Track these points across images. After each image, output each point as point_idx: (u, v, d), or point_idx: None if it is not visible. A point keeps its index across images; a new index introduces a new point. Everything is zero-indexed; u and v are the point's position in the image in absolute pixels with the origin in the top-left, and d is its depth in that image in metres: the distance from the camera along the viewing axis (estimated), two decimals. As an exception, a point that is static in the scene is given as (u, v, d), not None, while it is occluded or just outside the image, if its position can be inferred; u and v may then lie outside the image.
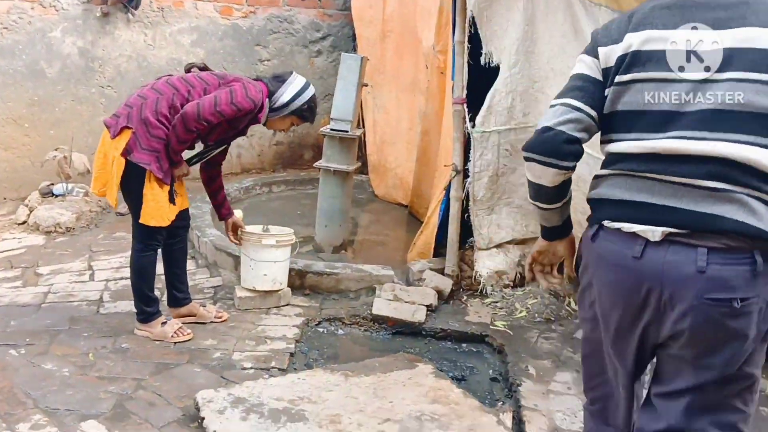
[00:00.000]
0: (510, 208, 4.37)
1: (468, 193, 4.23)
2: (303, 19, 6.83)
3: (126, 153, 3.27)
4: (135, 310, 3.58)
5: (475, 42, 4.15)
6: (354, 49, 6.96)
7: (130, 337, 3.54)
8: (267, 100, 3.40)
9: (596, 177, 1.98)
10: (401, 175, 6.04)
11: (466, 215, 4.31)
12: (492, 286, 4.26)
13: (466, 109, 4.17)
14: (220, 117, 3.20)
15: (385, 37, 6.07)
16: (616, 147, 1.88)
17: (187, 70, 3.48)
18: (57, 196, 5.41)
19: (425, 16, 5.27)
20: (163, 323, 3.53)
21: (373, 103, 6.31)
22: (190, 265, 4.52)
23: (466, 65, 4.16)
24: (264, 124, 3.53)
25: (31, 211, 5.20)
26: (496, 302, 4.17)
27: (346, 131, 4.61)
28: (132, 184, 3.35)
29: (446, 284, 4.18)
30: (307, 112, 3.51)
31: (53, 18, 5.66)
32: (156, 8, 6.07)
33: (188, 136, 3.23)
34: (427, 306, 3.94)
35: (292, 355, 3.48)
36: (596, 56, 1.91)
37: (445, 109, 4.61)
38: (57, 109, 5.83)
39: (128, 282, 4.20)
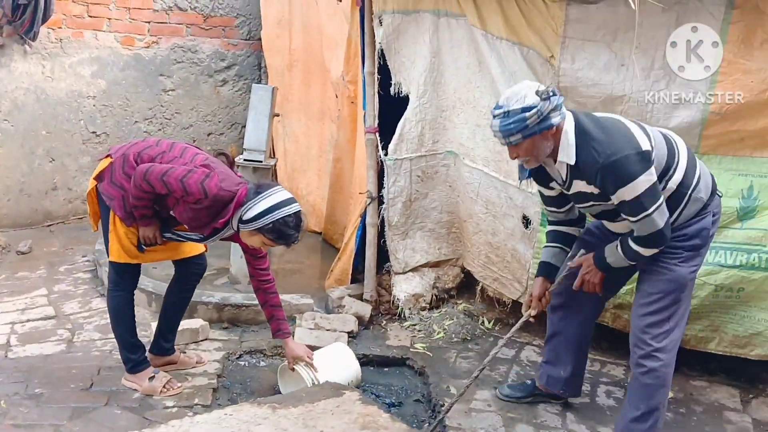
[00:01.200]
0: (423, 232, 4.50)
1: (383, 219, 4.34)
2: (207, 49, 6.78)
3: (99, 179, 3.20)
4: (121, 359, 3.43)
5: (384, 72, 4.28)
6: (259, 79, 6.98)
7: (43, 381, 3.40)
8: (236, 207, 3.03)
9: None
10: (313, 203, 6.08)
11: (381, 241, 4.41)
12: (410, 309, 4.36)
13: (379, 138, 4.28)
14: (164, 187, 2.96)
15: (292, 67, 6.14)
16: None
17: (216, 155, 3.31)
18: (-49, 236, 5.14)
19: (332, 47, 5.37)
20: (151, 377, 3.36)
21: (283, 132, 6.34)
22: (100, 303, 4.42)
23: (376, 95, 4.28)
24: (239, 234, 3.13)
25: None
26: (415, 325, 4.27)
27: (260, 161, 4.62)
28: (102, 216, 3.28)
29: (366, 310, 4.24)
30: (270, 234, 3.00)
31: (-57, 50, 5.40)
32: (54, 39, 5.88)
33: (138, 192, 3.02)
34: (348, 332, 3.99)
35: (215, 390, 3.45)
36: None
37: (358, 138, 4.71)
38: (-51, 145, 5.55)
39: (36, 324, 4.11)
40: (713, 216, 2.82)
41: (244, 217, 3.01)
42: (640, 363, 2.87)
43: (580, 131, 2.64)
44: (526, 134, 2.60)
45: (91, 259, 5.10)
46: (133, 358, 3.38)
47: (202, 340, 3.93)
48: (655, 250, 2.75)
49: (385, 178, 4.29)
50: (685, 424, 3.33)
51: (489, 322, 4.31)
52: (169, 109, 6.65)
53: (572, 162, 2.66)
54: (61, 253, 5.40)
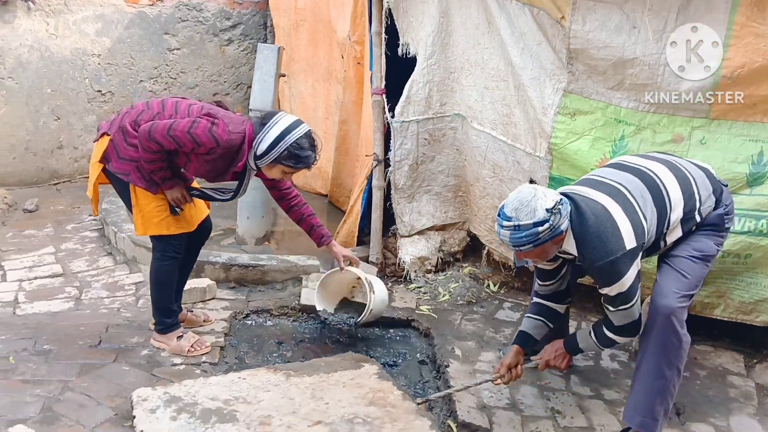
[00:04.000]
0: (430, 196, 4.49)
1: (389, 182, 4.33)
2: (212, 7, 6.70)
3: (105, 161, 3.16)
4: (153, 320, 3.47)
5: (391, 32, 4.22)
6: (265, 38, 6.90)
7: (51, 338, 3.43)
8: (249, 146, 3.06)
9: None
10: (319, 165, 5.92)
11: (388, 203, 4.40)
12: (415, 271, 4.38)
13: (385, 100, 4.25)
14: (172, 142, 2.95)
15: (299, 27, 6.06)
16: None
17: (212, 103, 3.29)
18: (-42, 194, 5.15)
19: (339, 6, 5.29)
20: (180, 336, 3.38)
21: (289, 93, 6.30)
22: (107, 261, 4.45)
23: (383, 56, 4.23)
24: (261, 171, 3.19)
25: (-71, 211, 4.93)
26: (420, 287, 4.29)
27: (266, 122, 4.59)
28: (122, 196, 3.28)
29: (371, 272, 4.25)
30: (289, 160, 3.04)
31: (-55, 6, 5.35)
32: (58, -5, 5.83)
33: (148, 155, 3.01)
34: (354, 294, 4.02)
35: (222, 348, 3.48)
36: None
37: (364, 100, 4.67)
38: (-47, 102, 5.53)
39: (43, 282, 4.14)
40: (725, 207, 2.88)
41: (258, 152, 3.04)
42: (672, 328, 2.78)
43: (573, 234, 2.65)
44: (537, 244, 2.56)
45: (98, 218, 5.11)
46: (168, 321, 3.40)
47: (209, 300, 3.96)
48: (628, 339, 2.88)
49: (391, 141, 4.26)
50: (689, 387, 3.36)
51: (494, 286, 4.33)
52: (174, 69, 6.59)
53: (576, 254, 2.68)
54: (68, 211, 5.42)
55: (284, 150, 3.01)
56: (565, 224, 2.58)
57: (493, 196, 4.16)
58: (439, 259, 4.49)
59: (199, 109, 3.10)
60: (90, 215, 5.24)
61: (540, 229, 2.52)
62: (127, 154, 3.11)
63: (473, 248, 4.66)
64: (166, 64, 6.55)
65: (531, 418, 3.07)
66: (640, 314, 2.77)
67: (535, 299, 3.11)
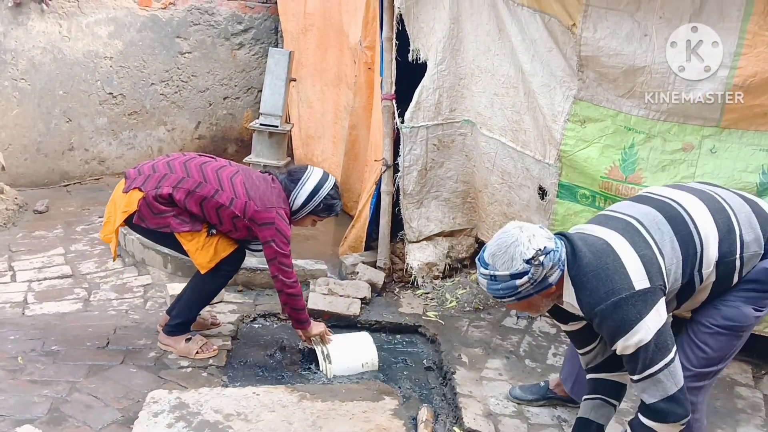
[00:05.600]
0: (438, 202, 4.49)
1: (398, 187, 4.33)
2: (224, 11, 6.73)
3: (140, 221, 3.18)
4: (166, 318, 3.48)
5: (402, 38, 4.24)
6: (276, 43, 6.93)
7: (59, 338, 3.45)
8: (288, 207, 3.32)
9: None
10: (328, 169, 6.01)
11: (396, 209, 4.40)
12: (423, 277, 4.38)
13: (395, 105, 4.26)
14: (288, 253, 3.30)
15: (307, 32, 6.07)
16: None
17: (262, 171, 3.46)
18: (-31, 194, 5.18)
19: (351, 11, 5.30)
20: (188, 339, 3.40)
21: (297, 98, 6.31)
22: (117, 263, 4.47)
23: (394, 61, 4.24)
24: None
25: (-59, 211, 4.96)
26: (427, 293, 4.29)
27: (276, 126, 4.61)
28: (159, 243, 3.46)
29: (379, 277, 4.26)
30: (324, 212, 3.39)
31: (-40, 7, 5.39)
32: (71, -2, 5.87)
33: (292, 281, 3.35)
34: (361, 299, 4.02)
35: (229, 351, 3.49)
36: None
37: (374, 105, 4.68)
38: (-34, 103, 5.57)
39: (53, 282, 4.16)
40: None
41: (294, 208, 3.31)
42: None
43: (571, 281, 2.24)
44: (519, 298, 2.22)
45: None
46: (183, 327, 3.42)
47: (217, 303, 3.96)
48: (675, 425, 2.21)
49: (401, 146, 4.27)
50: (696, 397, 3.34)
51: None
52: (186, 72, 6.62)
53: (577, 307, 2.25)
54: (78, 213, 5.44)
55: (319, 203, 3.32)
56: (554, 276, 2.19)
57: (502, 202, 4.15)
58: (447, 265, 4.48)
59: (244, 197, 3.18)
60: (100, 217, 5.26)
61: (518, 282, 2.16)
62: (161, 210, 3.16)
63: (481, 255, 4.65)
64: (178, 68, 6.57)
65: (537, 426, 3.06)
66: (683, 387, 2.18)
67: (589, 375, 2.54)
